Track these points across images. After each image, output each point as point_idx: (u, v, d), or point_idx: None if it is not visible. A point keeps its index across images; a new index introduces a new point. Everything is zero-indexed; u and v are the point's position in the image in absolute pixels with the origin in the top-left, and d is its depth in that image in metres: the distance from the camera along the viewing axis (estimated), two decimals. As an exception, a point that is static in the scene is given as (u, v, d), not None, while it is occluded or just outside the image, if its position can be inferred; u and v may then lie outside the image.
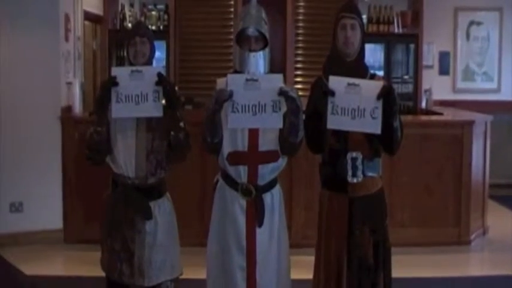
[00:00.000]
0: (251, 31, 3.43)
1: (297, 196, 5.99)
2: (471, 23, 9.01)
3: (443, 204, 6.26)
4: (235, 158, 3.39)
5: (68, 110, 6.39)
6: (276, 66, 8.38)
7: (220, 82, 3.43)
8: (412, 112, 8.21)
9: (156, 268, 3.67)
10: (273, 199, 3.46)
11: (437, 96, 8.40)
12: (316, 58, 8.27)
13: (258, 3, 3.57)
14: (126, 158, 3.62)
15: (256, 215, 3.40)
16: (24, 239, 6.07)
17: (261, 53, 3.43)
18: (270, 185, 3.47)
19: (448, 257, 5.96)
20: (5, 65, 6.12)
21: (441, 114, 7.30)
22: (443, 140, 6.30)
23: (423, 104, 8.33)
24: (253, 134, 3.37)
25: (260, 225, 3.40)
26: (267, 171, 3.41)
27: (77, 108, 6.50)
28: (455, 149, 6.27)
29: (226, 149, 3.39)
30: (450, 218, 6.28)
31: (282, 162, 3.46)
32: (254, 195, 3.40)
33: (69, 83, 6.49)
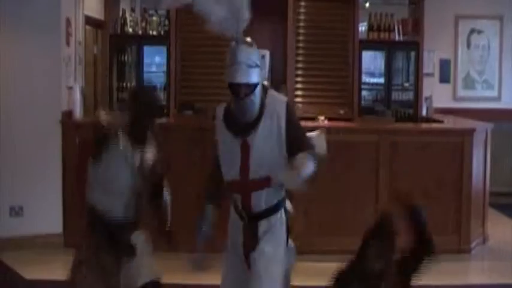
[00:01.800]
0: (239, 80, 3.29)
1: (296, 202, 5.97)
2: (472, 31, 9.03)
3: (444, 212, 6.25)
4: (231, 186, 3.41)
5: (68, 114, 6.39)
6: (276, 74, 8.40)
7: (220, 110, 3.44)
8: (413, 120, 8.21)
9: (132, 276, 3.67)
10: (271, 225, 3.39)
11: (437, 104, 8.40)
12: (317, 65, 8.29)
13: (243, 43, 3.36)
14: (116, 199, 3.63)
15: (250, 239, 3.38)
16: (24, 243, 6.06)
17: (251, 97, 3.31)
18: (269, 212, 3.41)
19: (448, 265, 5.93)
20: (6, 69, 6.12)
21: (441, 122, 7.30)
22: (443, 147, 6.30)
23: (423, 112, 8.33)
24: (244, 162, 3.34)
25: (253, 249, 3.37)
26: (261, 199, 3.36)
27: (78, 112, 6.50)
28: (456, 157, 6.28)
29: (225, 177, 3.42)
30: (450, 226, 6.27)
31: (279, 189, 3.41)
32: (247, 222, 3.38)
33: (69, 88, 6.50)
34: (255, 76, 3.29)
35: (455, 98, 8.99)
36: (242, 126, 3.31)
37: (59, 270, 5.79)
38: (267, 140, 3.30)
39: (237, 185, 3.35)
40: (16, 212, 6.17)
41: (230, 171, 3.37)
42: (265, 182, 3.34)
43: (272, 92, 3.44)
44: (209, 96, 8.15)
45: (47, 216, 6.21)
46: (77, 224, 6.16)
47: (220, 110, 3.43)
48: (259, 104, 3.32)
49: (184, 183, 5.66)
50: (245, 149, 3.31)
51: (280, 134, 3.31)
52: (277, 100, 3.40)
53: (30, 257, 5.88)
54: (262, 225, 3.37)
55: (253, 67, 3.29)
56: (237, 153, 3.32)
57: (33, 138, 6.18)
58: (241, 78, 3.26)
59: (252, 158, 3.31)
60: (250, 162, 3.32)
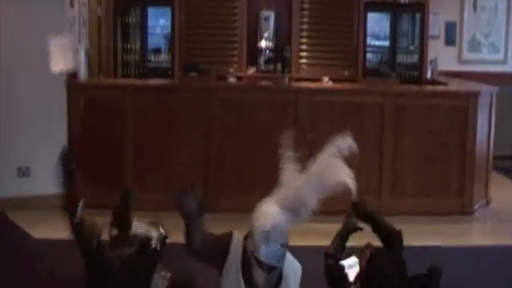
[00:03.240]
0: (278, 263, 3.10)
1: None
2: (479, -8, 8.95)
3: (447, 174, 6.29)
4: None
5: (73, 76, 6.39)
6: (281, 35, 8.37)
7: (237, 248, 3.17)
8: (417, 82, 8.19)
9: None
10: None
11: (442, 66, 8.36)
12: (322, 26, 8.24)
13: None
14: None
15: None
16: (32, 203, 6.10)
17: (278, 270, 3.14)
18: None
19: (451, 226, 6.00)
20: (10, 31, 6.10)
21: (446, 84, 7.28)
22: (448, 110, 6.30)
23: (428, 74, 8.30)
24: None
25: None
26: None
27: (82, 74, 6.52)
28: (460, 119, 6.28)
29: None
30: (454, 188, 6.31)
31: None
32: None
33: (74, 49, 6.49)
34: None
35: (460, 60, 8.94)
36: None
37: (66, 229, 5.92)
38: None
39: None
40: (23, 172, 6.22)
41: None
42: None
43: (288, 256, 3.24)
44: (213, 58, 8.15)
45: (53, 176, 6.24)
46: (82, 184, 6.26)
47: (237, 249, 3.17)
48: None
49: (187, 144, 5.71)
50: None
51: None
52: (292, 270, 3.25)
53: (37, 216, 5.93)
54: None
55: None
56: None
57: (39, 99, 6.19)
58: (279, 262, 3.09)
59: None
60: None
